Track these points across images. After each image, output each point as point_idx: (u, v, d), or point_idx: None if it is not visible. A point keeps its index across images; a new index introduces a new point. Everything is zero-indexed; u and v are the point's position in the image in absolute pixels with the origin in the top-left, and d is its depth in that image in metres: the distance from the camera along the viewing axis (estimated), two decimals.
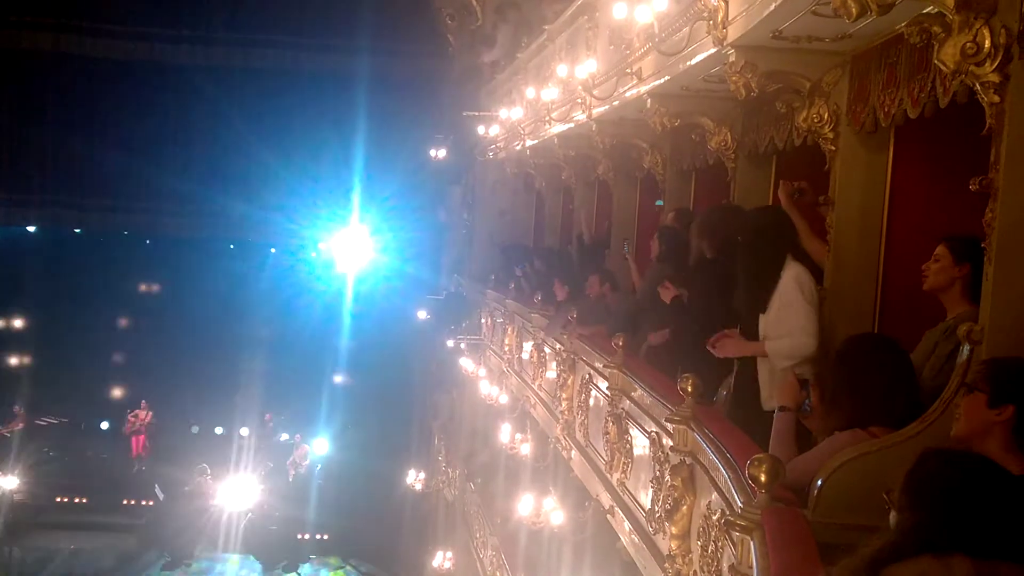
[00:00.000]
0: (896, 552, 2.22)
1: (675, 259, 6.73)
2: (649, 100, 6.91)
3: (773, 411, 4.77)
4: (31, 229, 24.31)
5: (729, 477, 4.20)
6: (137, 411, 22.35)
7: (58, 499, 20.25)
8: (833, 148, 5.15)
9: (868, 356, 3.92)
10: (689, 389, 5.04)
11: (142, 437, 22.07)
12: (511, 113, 11.85)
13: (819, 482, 3.61)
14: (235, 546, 19.02)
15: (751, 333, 5.07)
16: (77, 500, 20.43)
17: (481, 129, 14.07)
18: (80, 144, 21.51)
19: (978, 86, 3.61)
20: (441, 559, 15.76)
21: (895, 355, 3.93)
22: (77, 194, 22.01)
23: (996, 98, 3.56)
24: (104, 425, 23.21)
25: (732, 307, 5.31)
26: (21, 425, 21.94)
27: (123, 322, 24.96)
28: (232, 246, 25.23)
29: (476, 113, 14.10)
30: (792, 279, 4.88)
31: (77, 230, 23.77)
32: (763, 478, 3.47)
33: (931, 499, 2.31)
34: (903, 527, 2.32)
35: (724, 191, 7.17)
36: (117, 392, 23.25)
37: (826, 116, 5.12)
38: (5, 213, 22.36)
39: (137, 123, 21.72)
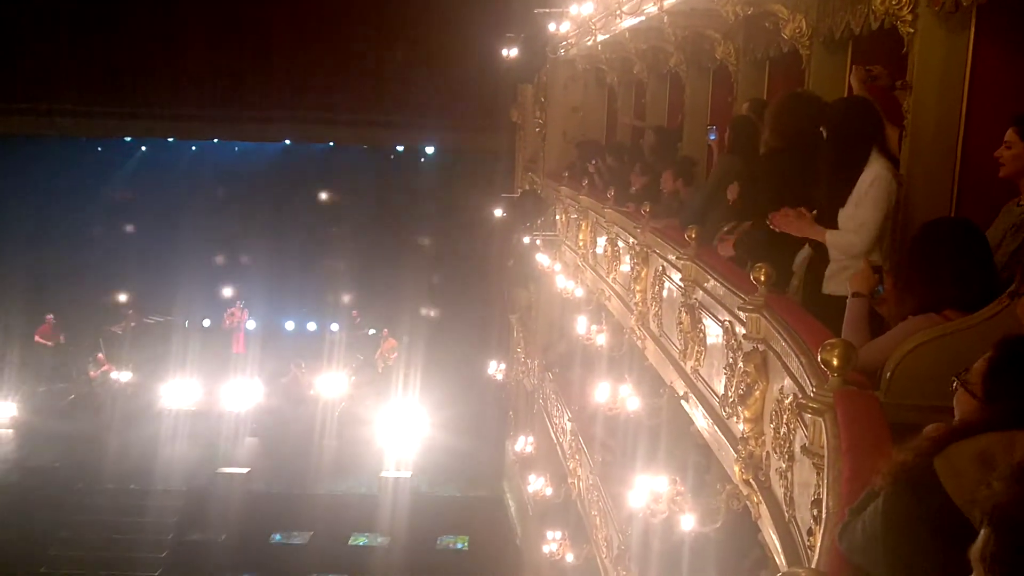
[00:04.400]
0: (963, 431, 2.20)
1: (746, 150, 6.53)
2: None
3: (832, 295, 4.69)
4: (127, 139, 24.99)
5: (802, 362, 4.18)
6: (233, 310, 23.13)
7: (166, 390, 21.19)
8: (912, 30, 4.87)
9: (944, 240, 3.78)
10: (762, 278, 4.97)
11: (240, 334, 22.90)
12: (581, 8, 11.50)
13: (892, 365, 3.57)
14: (333, 432, 19.76)
15: (831, 226, 4.91)
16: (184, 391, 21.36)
17: (552, 26, 13.70)
18: (176, 54, 21.80)
19: None
20: (523, 443, 16.17)
21: (972, 238, 3.77)
22: (169, 104, 22.40)
23: None
24: (206, 323, 24.12)
25: (802, 197, 5.14)
26: (133, 324, 22.98)
27: (221, 226, 25.59)
28: (316, 150, 25.50)
29: (547, 10, 13.69)
30: (871, 176, 4.66)
31: (170, 139, 24.29)
32: (835, 362, 3.45)
33: (1004, 384, 2.27)
34: (974, 409, 2.30)
35: (799, 79, 6.89)
36: (217, 292, 24.04)
37: None
38: (116, 126, 22.92)
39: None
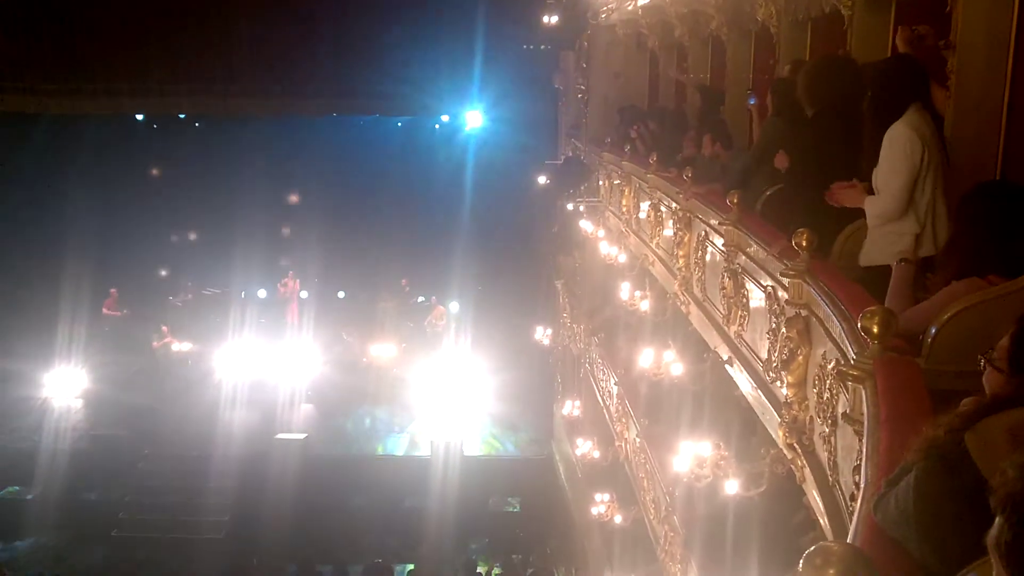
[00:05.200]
0: (994, 406, 2.16)
1: (790, 113, 6.38)
2: None
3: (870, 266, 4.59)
4: (182, 116, 25.34)
5: (843, 328, 4.12)
6: (286, 280, 23.44)
7: (225, 359, 21.56)
8: None
9: (990, 203, 3.66)
10: (803, 243, 4.89)
11: (294, 304, 23.22)
12: None
13: (934, 331, 3.50)
14: (386, 398, 20.03)
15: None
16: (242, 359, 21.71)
17: None
18: (216, 32, 21.95)
19: None
20: (570, 408, 16.24)
21: (1019, 202, 3.66)
22: (219, 81, 22.61)
23: None
24: (262, 293, 24.49)
25: (843, 161, 5.02)
26: (191, 296, 23.43)
27: (273, 199, 25.86)
28: (362, 123, 25.61)
29: None
30: (889, 136, 4.48)
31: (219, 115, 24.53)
32: (876, 329, 3.39)
33: None
34: (1009, 385, 2.25)
35: (841, 40, 6.72)
36: (271, 263, 24.33)
37: None
38: (159, 102, 23.20)
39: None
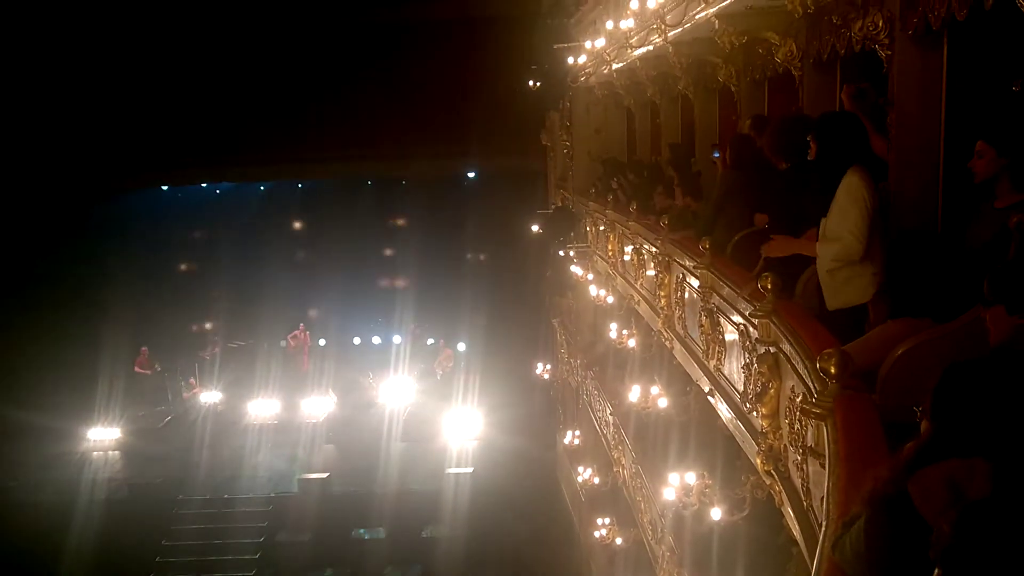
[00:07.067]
0: (926, 457, 2.19)
1: (745, 164, 6.49)
2: (716, 21, 6.61)
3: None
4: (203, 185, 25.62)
5: (807, 367, 4.15)
6: (295, 332, 23.46)
7: (251, 407, 21.57)
8: (889, 52, 4.80)
9: (915, 254, 3.74)
10: (768, 287, 4.94)
11: (305, 354, 23.22)
12: (595, 43, 11.52)
13: (884, 371, 3.55)
14: (397, 436, 19.94)
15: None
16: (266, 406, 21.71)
17: (571, 59, 13.76)
18: (231, 106, 22.25)
19: None
20: (571, 437, 16.17)
21: (942, 253, 3.73)
22: (233, 151, 22.91)
23: None
24: (283, 344, 24.47)
25: (806, 212, 5.09)
26: (217, 349, 23.42)
27: (290, 257, 26.01)
28: (369, 183, 25.85)
29: (565, 45, 13.76)
30: (845, 185, 4.53)
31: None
32: (833, 370, 3.43)
33: (952, 410, 2.26)
34: (932, 435, 2.29)
35: (795, 97, 6.84)
36: (291, 317, 24.35)
37: (881, 23, 4.76)
38: (179, 174, 23.47)
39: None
